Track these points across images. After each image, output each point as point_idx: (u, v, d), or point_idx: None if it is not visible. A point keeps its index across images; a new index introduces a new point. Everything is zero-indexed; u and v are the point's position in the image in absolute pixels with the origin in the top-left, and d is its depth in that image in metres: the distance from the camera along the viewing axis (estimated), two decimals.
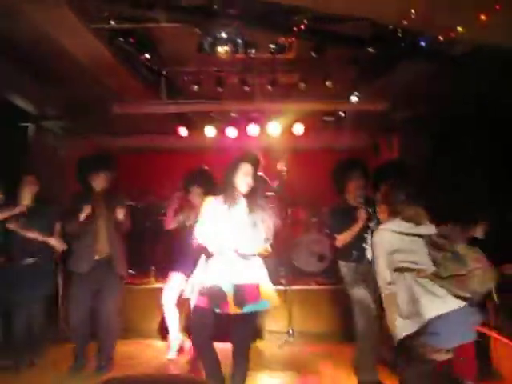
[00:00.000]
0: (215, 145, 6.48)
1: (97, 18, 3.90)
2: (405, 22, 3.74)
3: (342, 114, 6.15)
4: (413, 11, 3.53)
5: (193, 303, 3.15)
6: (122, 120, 6.12)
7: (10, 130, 5.55)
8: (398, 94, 5.37)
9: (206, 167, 4.77)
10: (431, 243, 2.87)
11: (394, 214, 3.02)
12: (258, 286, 3.08)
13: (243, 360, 3.18)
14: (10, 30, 4.10)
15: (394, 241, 2.89)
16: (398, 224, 2.95)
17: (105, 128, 6.51)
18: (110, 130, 6.63)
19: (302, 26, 3.64)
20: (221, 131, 6.43)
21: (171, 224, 4.56)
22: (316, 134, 6.65)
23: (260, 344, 5.02)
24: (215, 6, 3.38)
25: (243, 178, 3.18)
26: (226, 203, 3.16)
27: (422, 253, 2.87)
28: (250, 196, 3.22)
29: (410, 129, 6.06)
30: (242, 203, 3.22)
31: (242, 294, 3.01)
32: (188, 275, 3.58)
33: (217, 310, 3.00)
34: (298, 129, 6.30)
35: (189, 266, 3.58)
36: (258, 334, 5.01)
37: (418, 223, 2.92)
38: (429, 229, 2.94)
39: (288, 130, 6.27)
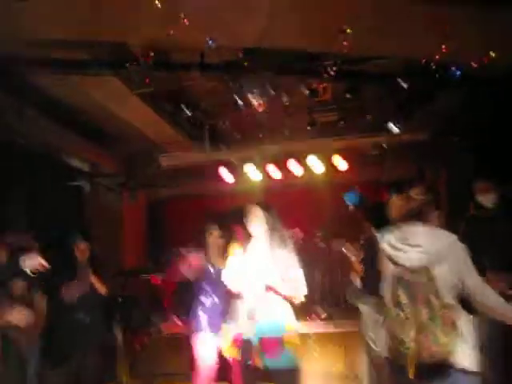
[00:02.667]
0: (261, 187, 6.58)
1: (140, 84, 4.18)
2: (437, 57, 3.75)
3: (385, 146, 6.12)
4: (444, 46, 3.53)
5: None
6: (170, 171, 6.39)
7: (66, 189, 5.93)
8: (440, 123, 5.30)
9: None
10: None
11: None
12: (281, 339, 2.96)
13: None
14: (65, 98, 4.49)
15: None
16: None
17: (155, 180, 6.81)
18: (160, 182, 6.93)
19: (332, 71, 3.72)
20: (265, 174, 6.54)
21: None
22: (360, 168, 6.61)
23: None
24: (245, 63, 3.54)
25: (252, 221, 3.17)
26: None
27: None
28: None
29: (455, 157, 5.92)
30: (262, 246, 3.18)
31: (262, 345, 2.94)
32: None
33: (249, 363, 2.95)
34: (341, 164, 6.31)
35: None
36: None
37: None
38: None
39: (331, 166, 6.29)
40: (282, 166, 6.38)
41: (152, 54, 3.72)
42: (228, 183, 6.57)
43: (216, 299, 3.85)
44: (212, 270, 3.93)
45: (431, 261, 2.16)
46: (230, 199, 6.94)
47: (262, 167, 6.38)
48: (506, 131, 4.58)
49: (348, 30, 3.09)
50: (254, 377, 2.99)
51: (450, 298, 2.14)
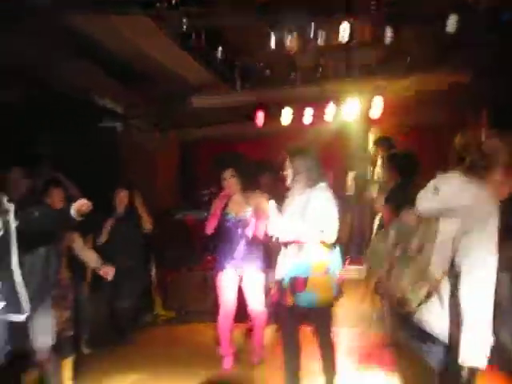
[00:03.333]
0: (292, 129, 6.47)
1: (171, 21, 4.05)
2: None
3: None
4: None
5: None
6: (202, 112, 6.34)
7: (99, 130, 6.00)
8: (482, 67, 4.99)
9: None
10: None
11: None
12: (306, 279, 3.03)
13: (328, 349, 3.20)
14: (97, 38, 4.42)
15: None
16: None
17: (187, 121, 6.79)
18: (192, 123, 6.90)
19: (372, 10, 3.50)
20: (298, 116, 6.40)
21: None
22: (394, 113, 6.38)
23: None
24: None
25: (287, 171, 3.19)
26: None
27: None
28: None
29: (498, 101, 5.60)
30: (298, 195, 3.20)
31: (291, 284, 3.05)
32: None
33: (282, 302, 3.10)
34: (379, 105, 6.08)
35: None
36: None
37: None
38: None
39: (367, 110, 6.09)
40: (321, 109, 6.21)
41: None
42: (260, 125, 6.48)
43: (241, 242, 3.96)
44: (233, 216, 4.00)
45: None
46: (263, 142, 6.91)
47: (299, 110, 6.22)
48: None
49: None
50: (289, 316, 3.14)
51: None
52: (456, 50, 4.52)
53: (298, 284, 3.02)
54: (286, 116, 6.34)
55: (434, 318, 2.02)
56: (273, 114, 6.42)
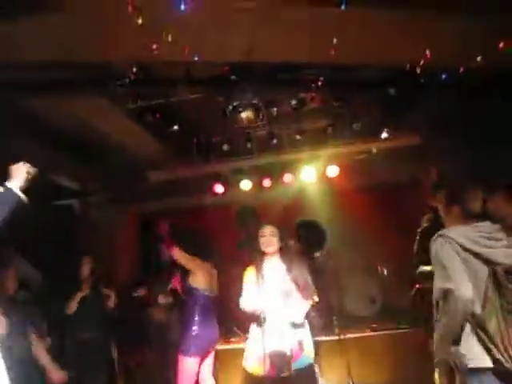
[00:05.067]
0: (250, 198, 6.54)
1: (126, 100, 4.13)
2: (422, 62, 3.74)
3: (374, 151, 6.11)
4: (428, 51, 3.53)
5: (254, 372, 3.23)
6: (161, 185, 6.33)
7: (56, 209, 5.85)
8: (430, 127, 5.30)
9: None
10: None
11: None
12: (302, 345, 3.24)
13: None
14: (51, 118, 4.43)
15: None
16: None
17: (145, 195, 6.74)
18: (150, 197, 6.85)
19: (319, 81, 3.70)
20: (256, 183, 6.49)
21: None
22: (351, 174, 6.58)
23: None
24: (233, 77, 3.51)
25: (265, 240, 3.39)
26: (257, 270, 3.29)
27: None
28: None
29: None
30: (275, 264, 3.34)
31: (293, 354, 3.16)
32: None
33: (283, 375, 3.11)
34: (333, 171, 6.28)
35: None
36: None
37: None
38: None
39: (323, 175, 6.26)
40: (278, 179, 6.35)
41: (136, 69, 3.69)
42: (220, 195, 6.52)
43: (205, 323, 3.87)
44: (204, 294, 3.94)
45: None
46: (222, 211, 6.91)
47: (256, 180, 6.33)
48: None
49: (334, 40, 3.06)
50: None
51: None
52: (405, 113, 4.78)
53: (298, 351, 3.19)
54: (245, 185, 6.42)
55: None
56: (231, 185, 6.49)
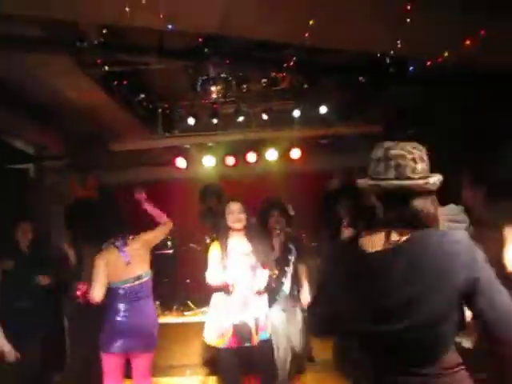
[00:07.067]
0: (214, 174, 6.52)
1: (92, 63, 3.98)
2: (392, 51, 3.82)
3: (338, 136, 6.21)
4: (398, 41, 3.60)
5: (215, 344, 3.29)
6: (121, 155, 6.20)
7: (10, 172, 5.63)
8: (393, 117, 5.43)
9: None
10: None
11: None
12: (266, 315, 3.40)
13: None
14: (9, 76, 4.21)
15: None
16: None
17: (105, 164, 6.58)
18: (110, 166, 6.70)
19: (292, 62, 3.71)
20: (220, 160, 6.48)
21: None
22: (313, 157, 6.67)
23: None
24: (206, 49, 3.46)
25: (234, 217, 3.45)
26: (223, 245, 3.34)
27: None
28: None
29: None
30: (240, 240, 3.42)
31: (258, 324, 3.31)
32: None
33: (247, 344, 3.23)
34: (295, 153, 6.35)
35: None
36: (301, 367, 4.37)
37: None
38: None
39: (285, 156, 6.32)
40: (241, 158, 6.36)
41: (105, 31, 3.56)
42: (182, 170, 6.47)
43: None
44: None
45: None
46: (184, 186, 6.86)
47: (220, 157, 6.33)
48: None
49: (310, 22, 3.07)
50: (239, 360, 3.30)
51: None
52: (374, 101, 4.86)
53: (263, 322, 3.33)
54: (208, 160, 6.40)
55: None
56: (194, 160, 6.45)
